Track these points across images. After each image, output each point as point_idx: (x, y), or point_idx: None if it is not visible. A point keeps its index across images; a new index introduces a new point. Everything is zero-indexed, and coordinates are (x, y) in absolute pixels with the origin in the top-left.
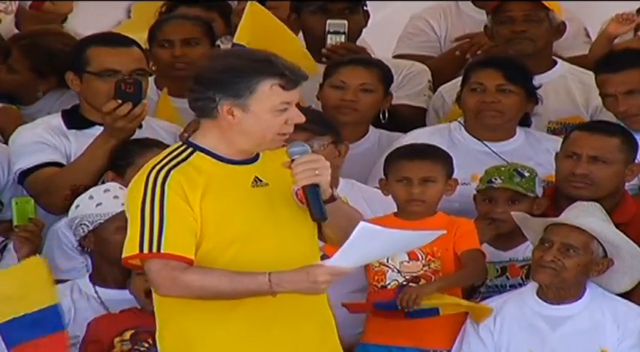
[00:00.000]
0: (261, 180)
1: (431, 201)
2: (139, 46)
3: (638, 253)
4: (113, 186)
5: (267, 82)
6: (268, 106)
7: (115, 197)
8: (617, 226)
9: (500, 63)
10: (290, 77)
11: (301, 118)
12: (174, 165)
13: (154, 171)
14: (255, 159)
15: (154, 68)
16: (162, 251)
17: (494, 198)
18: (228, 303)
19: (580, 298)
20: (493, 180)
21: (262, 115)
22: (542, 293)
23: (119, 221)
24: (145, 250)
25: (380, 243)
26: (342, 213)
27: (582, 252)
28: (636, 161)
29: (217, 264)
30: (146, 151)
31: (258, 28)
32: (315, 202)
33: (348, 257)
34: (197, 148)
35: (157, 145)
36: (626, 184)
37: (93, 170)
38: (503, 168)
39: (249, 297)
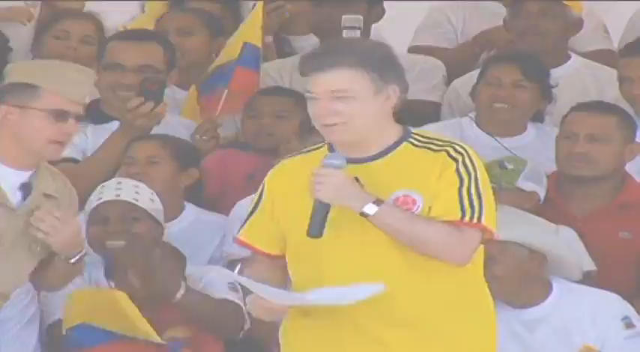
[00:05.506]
0: (359, 181)
1: None
2: (163, 41)
3: (551, 240)
4: (125, 181)
5: None
6: None
7: (117, 195)
8: (628, 206)
9: (518, 58)
10: None
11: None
12: (294, 156)
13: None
14: (375, 157)
15: None
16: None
17: None
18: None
19: (548, 297)
20: None
21: None
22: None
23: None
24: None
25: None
26: (392, 230)
27: (502, 258)
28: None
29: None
30: None
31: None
32: (312, 216)
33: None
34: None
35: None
36: None
37: (108, 165)
38: (489, 162)
39: None
